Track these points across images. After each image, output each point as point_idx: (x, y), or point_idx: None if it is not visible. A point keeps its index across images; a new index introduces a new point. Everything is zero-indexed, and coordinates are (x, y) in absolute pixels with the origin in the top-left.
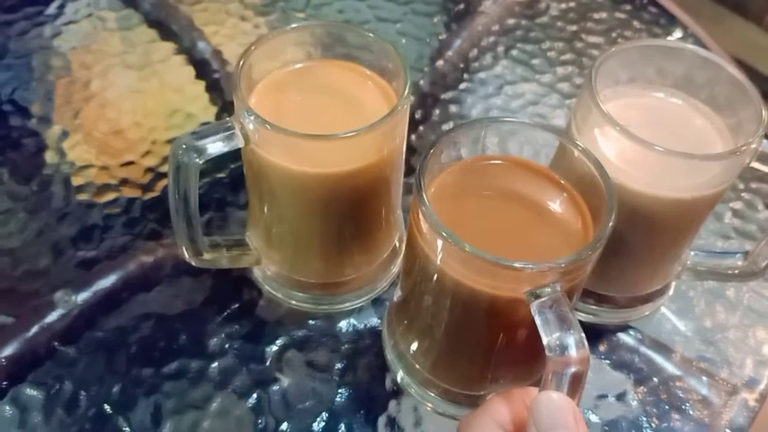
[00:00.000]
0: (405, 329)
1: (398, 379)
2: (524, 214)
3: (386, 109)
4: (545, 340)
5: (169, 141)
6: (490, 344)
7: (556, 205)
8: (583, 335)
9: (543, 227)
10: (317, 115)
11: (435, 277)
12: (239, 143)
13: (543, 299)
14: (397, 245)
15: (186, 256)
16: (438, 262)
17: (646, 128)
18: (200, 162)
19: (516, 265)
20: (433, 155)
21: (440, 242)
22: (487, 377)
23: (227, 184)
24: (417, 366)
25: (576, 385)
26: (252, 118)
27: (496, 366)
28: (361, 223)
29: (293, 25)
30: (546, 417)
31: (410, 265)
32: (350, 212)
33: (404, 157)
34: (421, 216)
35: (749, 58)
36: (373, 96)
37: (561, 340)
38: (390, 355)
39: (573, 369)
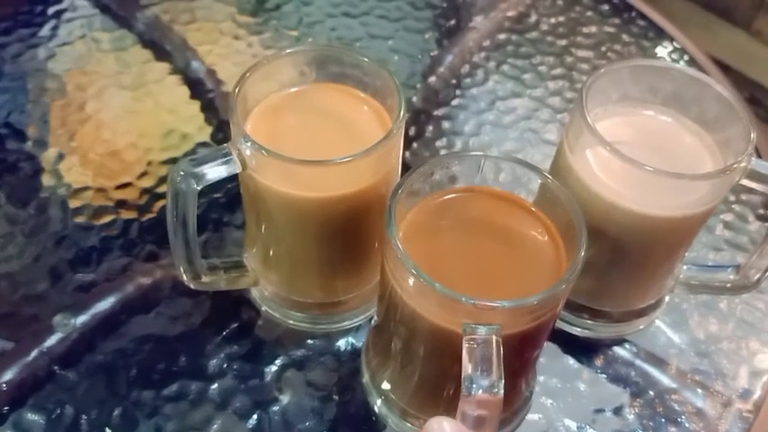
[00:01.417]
0: (380, 358)
1: (376, 409)
2: (496, 248)
3: (381, 131)
4: (462, 375)
5: (165, 162)
6: (446, 375)
7: (530, 240)
8: (500, 381)
9: (514, 262)
10: (312, 139)
11: (399, 309)
12: (237, 169)
13: (474, 336)
14: None
15: (185, 279)
16: (400, 291)
17: (636, 146)
18: (199, 188)
19: (462, 299)
20: (403, 189)
21: (401, 270)
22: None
23: (224, 205)
24: (394, 397)
25: (479, 427)
26: (248, 144)
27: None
28: (357, 244)
29: (288, 50)
30: None
31: (382, 291)
32: (346, 234)
33: (399, 177)
34: (388, 247)
35: (738, 63)
36: (368, 119)
37: (474, 380)
38: (367, 383)
39: (477, 411)
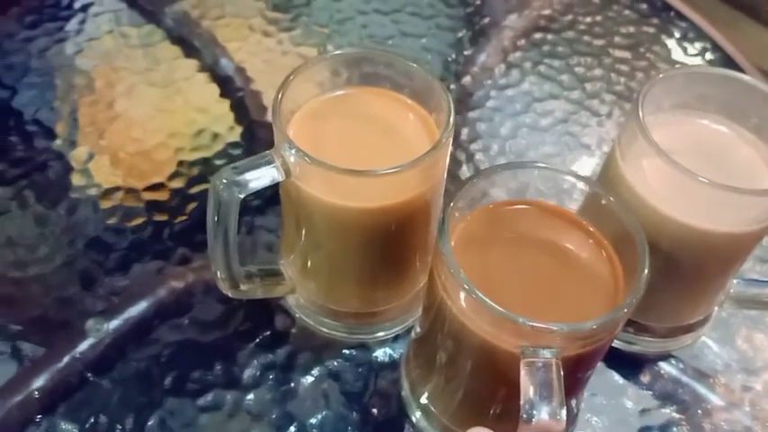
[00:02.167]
0: (421, 371)
1: (414, 421)
2: (550, 265)
3: (426, 139)
4: (521, 401)
5: (196, 163)
6: (493, 393)
7: (585, 256)
8: (562, 407)
9: (569, 280)
10: (356, 146)
11: (447, 322)
12: (280, 176)
13: (533, 359)
14: None
15: (223, 287)
16: (450, 304)
17: (691, 156)
18: (242, 197)
19: (519, 320)
20: (455, 201)
21: (453, 284)
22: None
23: (256, 208)
24: (434, 411)
25: None
26: (293, 151)
27: (502, 418)
28: (399, 254)
29: (332, 53)
30: None
31: (429, 302)
32: (389, 244)
33: (444, 187)
34: (440, 261)
35: (762, 61)
36: (413, 125)
37: (535, 405)
38: (407, 395)
39: None
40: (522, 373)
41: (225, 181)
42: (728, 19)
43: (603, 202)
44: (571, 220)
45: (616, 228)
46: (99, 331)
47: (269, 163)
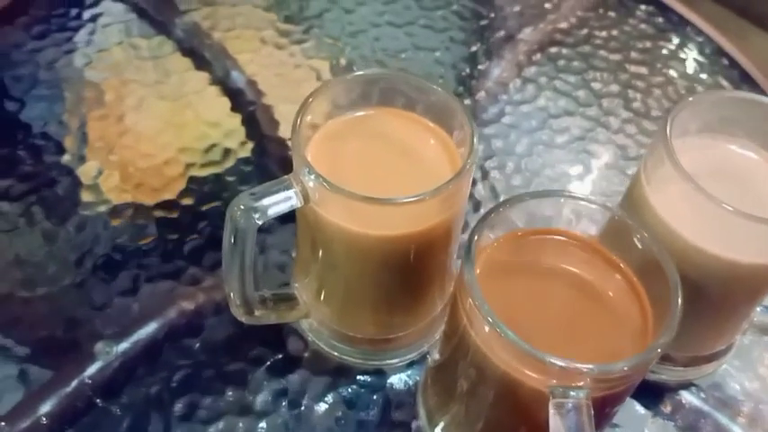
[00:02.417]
0: (439, 398)
1: None
2: (576, 298)
3: (447, 163)
4: None
5: (207, 179)
6: (515, 427)
7: (611, 289)
8: None
9: (596, 314)
10: (377, 170)
11: (470, 351)
12: (299, 202)
13: (563, 399)
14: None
15: (237, 314)
16: (473, 334)
17: (717, 181)
18: (260, 223)
19: (546, 359)
20: (481, 231)
21: (477, 315)
22: None
23: (269, 226)
24: None
25: None
26: (312, 177)
27: None
28: (418, 281)
29: (353, 74)
30: None
31: (451, 329)
32: (408, 271)
33: (465, 212)
34: (465, 291)
35: None
36: (435, 149)
37: None
38: (423, 424)
39: None
40: (552, 413)
41: (242, 207)
42: (736, 28)
43: (635, 236)
44: (596, 250)
45: (644, 258)
46: (108, 354)
47: (288, 188)
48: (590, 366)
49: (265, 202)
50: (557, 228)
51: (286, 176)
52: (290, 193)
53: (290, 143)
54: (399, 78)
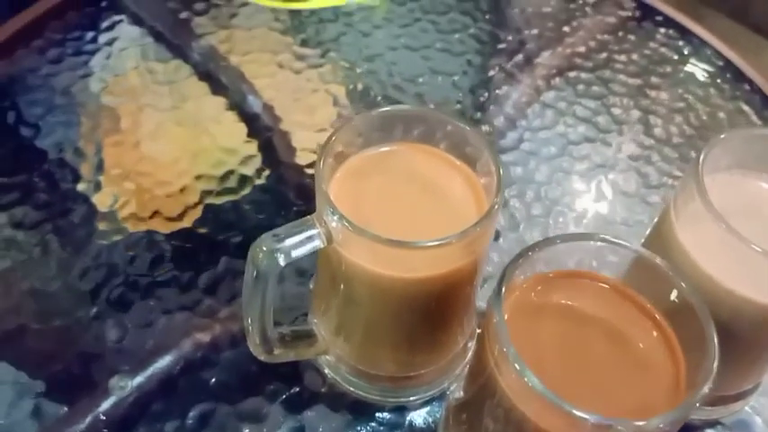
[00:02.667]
0: None
1: None
2: (606, 345)
3: (473, 202)
4: None
5: (223, 206)
6: None
7: (642, 336)
8: None
9: (626, 363)
10: (401, 208)
11: (497, 395)
12: (321, 243)
13: None
14: (469, 344)
15: (256, 353)
16: (500, 380)
17: (748, 220)
18: (282, 265)
19: (576, 414)
20: (511, 275)
21: (505, 361)
22: None
23: None
24: None
25: None
26: (335, 217)
27: None
28: (440, 321)
29: (378, 110)
30: None
31: (477, 369)
32: (430, 311)
33: (488, 252)
34: (493, 334)
35: None
36: (460, 188)
37: None
38: None
39: None
40: None
41: (265, 249)
42: (749, 43)
43: (669, 280)
44: (626, 294)
45: (677, 304)
46: (123, 389)
47: (310, 228)
48: (623, 423)
49: (288, 242)
50: (587, 270)
51: (309, 216)
52: (313, 233)
53: (307, 170)
54: (424, 114)
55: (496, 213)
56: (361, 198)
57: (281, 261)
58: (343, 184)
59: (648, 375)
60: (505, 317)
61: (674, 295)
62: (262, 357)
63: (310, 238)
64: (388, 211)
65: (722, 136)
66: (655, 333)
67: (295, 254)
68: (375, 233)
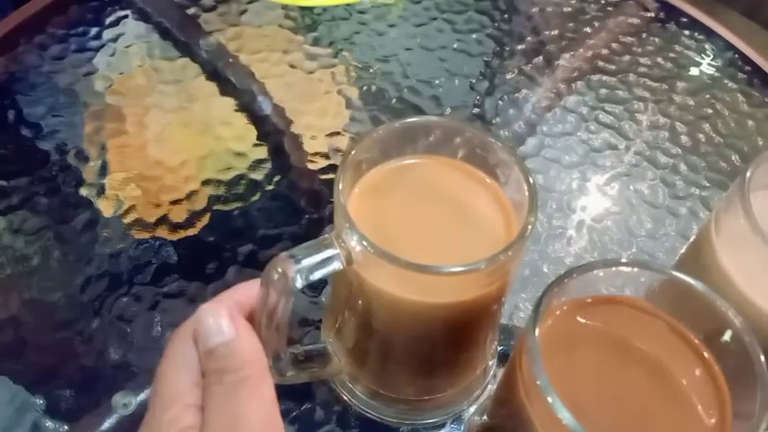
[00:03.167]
0: None
1: None
2: (646, 380)
3: (501, 222)
4: None
5: (231, 214)
6: None
7: (683, 368)
8: None
9: (667, 399)
10: (424, 227)
11: (526, 425)
12: (341, 265)
13: None
14: (490, 363)
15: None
16: (531, 413)
17: None
18: (299, 288)
19: None
20: (549, 301)
21: (537, 395)
22: None
23: None
24: None
25: None
26: (355, 238)
27: None
28: (462, 346)
29: (401, 121)
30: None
31: (505, 396)
32: (453, 336)
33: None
34: (526, 365)
35: None
36: (487, 206)
37: None
38: None
39: None
40: None
41: (280, 271)
42: (764, 41)
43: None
44: (665, 321)
45: (722, 334)
46: (126, 407)
47: (329, 248)
48: None
49: (305, 263)
50: (626, 296)
51: (327, 236)
52: (332, 254)
53: (319, 176)
54: (449, 125)
55: (528, 237)
56: (383, 216)
57: (299, 284)
58: (363, 200)
59: (690, 412)
60: (539, 344)
61: (721, 328)
62: (276, 380)
63: (329, 260)
64: (411, 231)
65: (765, 153)
66: (698, 365)
67: (313, 277)
68: (399, 256)
